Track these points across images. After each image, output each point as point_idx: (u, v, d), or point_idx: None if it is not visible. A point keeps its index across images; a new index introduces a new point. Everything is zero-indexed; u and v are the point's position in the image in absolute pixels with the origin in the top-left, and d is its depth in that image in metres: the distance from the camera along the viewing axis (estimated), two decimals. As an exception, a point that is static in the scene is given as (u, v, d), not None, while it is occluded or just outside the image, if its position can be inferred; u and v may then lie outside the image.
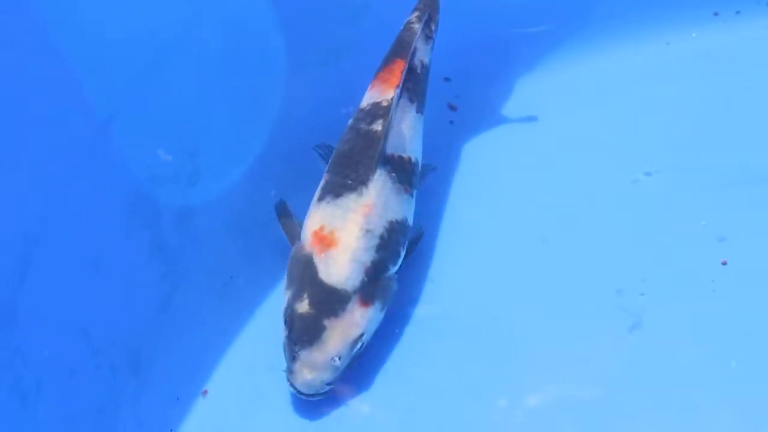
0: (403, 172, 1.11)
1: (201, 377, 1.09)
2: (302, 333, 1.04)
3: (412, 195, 1.12)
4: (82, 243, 1.06)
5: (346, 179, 1.09)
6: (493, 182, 1.21)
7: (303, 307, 1.04)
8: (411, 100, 1.14)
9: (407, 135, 1.13)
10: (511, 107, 1.27)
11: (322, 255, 1.06)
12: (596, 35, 1.28)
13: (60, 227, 1.03)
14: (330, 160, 1.12)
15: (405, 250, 1.10)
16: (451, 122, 1.27)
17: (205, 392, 1.08)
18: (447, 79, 1.27)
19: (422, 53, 1.16)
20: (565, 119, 1.25)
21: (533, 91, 1.27)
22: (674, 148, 1.19)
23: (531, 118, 1.25)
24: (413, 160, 1.13)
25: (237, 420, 1.07)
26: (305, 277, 1.06)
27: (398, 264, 1.10)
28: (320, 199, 1.10)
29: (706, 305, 1.07)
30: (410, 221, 1.11)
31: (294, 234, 1.11)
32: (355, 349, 1.04)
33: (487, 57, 1.29)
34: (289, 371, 1.04)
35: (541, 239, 1.15)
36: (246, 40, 1.19)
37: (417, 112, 1.15)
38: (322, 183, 1.11)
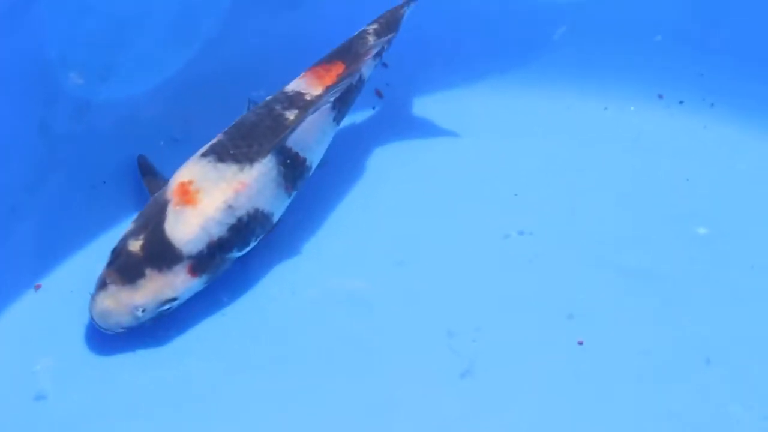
0: (293, 171, 1.09)
1: (39, 270, 1.12)
2: (122, 269, 1.03)
3: (289, 195, 1.11)
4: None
5: (237, 148, 1.07)
6: (374, 186, 1.22)
7: (135, 245, 1.04)
8: (333, 107, 1.12)
9: (314, 137, 1.12)
10: (431, 117, 1.28)
11: (178, 208, 1.05)
12: (538, 77, 1.29)
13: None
14: (232, 124, 1.11)
15: (255, 243, 1.09)
16: (373, 108, 1.28)
17: (38, 287, 1.11)
18: (385, 64, 1.27)
19: (365, 67, 1.15)
20: (473, 144, 1.25)
21: (454, 110, 1.28)
22: (555, 213, 1.20)
23: (439, 134, 1.26)
24: (308, 163, 1.11)
25: (67, 317, 1.09)
26: (152, 220, 1.04)
27: (243, 252, 1.08)
28: (204, 154, 1.08)
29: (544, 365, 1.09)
30: (275, 219, 1.10)
31: (155, 189, 1.10)
32: (161, 309, 1.04)
33: (431, 61, 1.29)
34: (92, 298, 1.03)
35: (398, 262, 1.16)
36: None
37: (333, 120, 1.14)
38: (213, 140, 1.09)
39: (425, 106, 1.28)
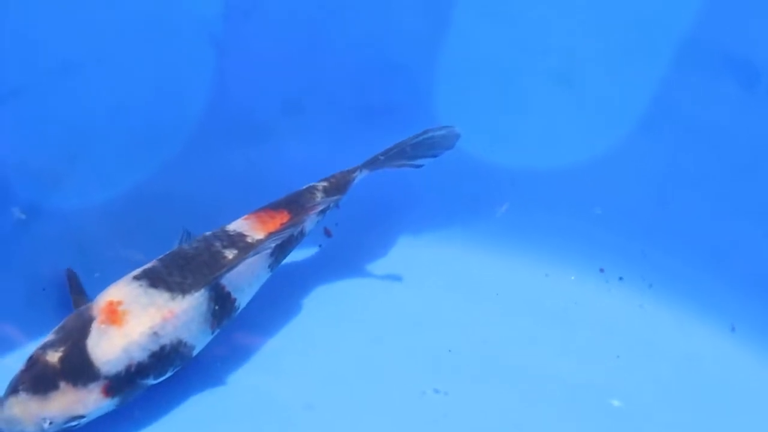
0: (221, 309, 1.10)
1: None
2: (36, 378, 1.02)
3: (213, 332, 1.11)
4: None
5: (170, 276, 1.08)
6: (306, 323, 1.23)
7: (53, 357, 1.03)
8: (271, 254, 1.14)
9: (247, 280, 1.13)
10: (374, 261, 1.30)
11: (102, 326, 1.04)
12: (482, 238, 1.31)
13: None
14: (168, 252, 1.12)
15: (171, 373, 1.09)
16: (320, 246, 1.31)
17: None
18: (328, 233, 1.31)
19: (309, 221, 1.18)
20: (411, 294, 1.27)
21: (398, 258, 1.30)
22: (479, 375, 1.21)
23: (380, 280, 1.28)
24: (236, 304, 1.12)
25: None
26: (74, 334, 1.04)
27: (158, 380, 1.08)
28: (136, 277, 1.08)
29: None
30: (195, 352, 1.10)
31: (80, 304, 1.11)
32: (68, 425, 1.03)
33: (381, 209, 1.32)
34: (1, 401, 1.02)
35: (307, 405, 1.16)
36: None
37: (269, 267, 1.15)
38: (148, 265, 1.10)
39: (371, 250, 1.30)
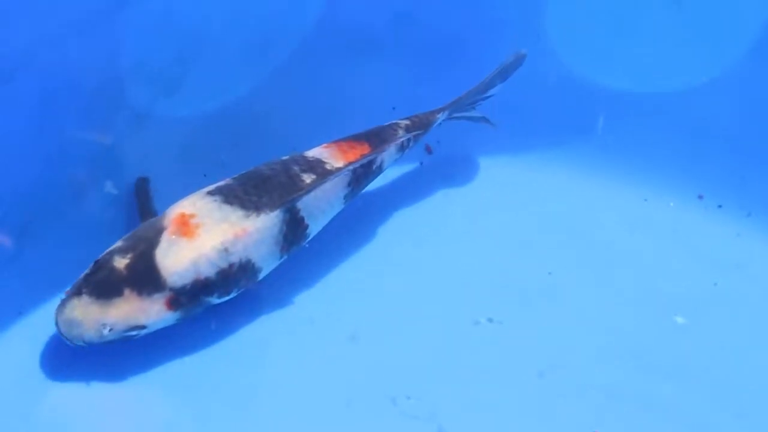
0: (293, 233, 1.09)
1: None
2: (101, 282, 1.00)
3: (281, 257, 1.10)
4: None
5: (246, 195, 1.07)
6: (383, 245, 1.24)
7: (120, 263, 1.01)
8: (348, 184, 1.13)
9: (321, 208, 1.12)
10: (471, 180, 1.32)
11: (173, 237, 1.03)
12: (581, 159, 1.32)
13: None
14: (245, 171, 1.10)
15: (235, 294, 1.07)
16: (421, 163, 1.31)
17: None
18: (429, 150, 1.32)
19: (388, 157, 1.17)
20: (501, 216, 1.28)
21: (496, 179, 1.31)
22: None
23: (471, 201, 1.29)
24: (308, 231, 1.11)
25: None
26: (144, 242, 1.02)
27: (221, 299, 1.07)
28: (210, 192, 1.07)
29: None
30: (261, 275, 1.09)
31: (146, 214, 1.10)
32: (127, 334, 1.01)
33: (482, 131, 1.31)
34: (62, 302, 1.01)
35: (351, 336, 1.15)
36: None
37: (344, 198, 1.14)
38: (222, 182, 1.09)
39: (468, 171, 1.32)
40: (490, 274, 1.22)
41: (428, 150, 1.31)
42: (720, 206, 1.30)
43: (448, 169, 1.32)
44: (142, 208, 1.14)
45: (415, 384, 1.11)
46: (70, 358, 1.06)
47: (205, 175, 1.17)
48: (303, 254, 1.15)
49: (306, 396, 1.09)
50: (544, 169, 1.31)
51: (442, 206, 1.29)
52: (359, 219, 1.24)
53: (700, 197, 1.30)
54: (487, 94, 1.24)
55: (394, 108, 1.28)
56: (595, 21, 1.27)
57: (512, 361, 1.14)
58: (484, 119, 1.26)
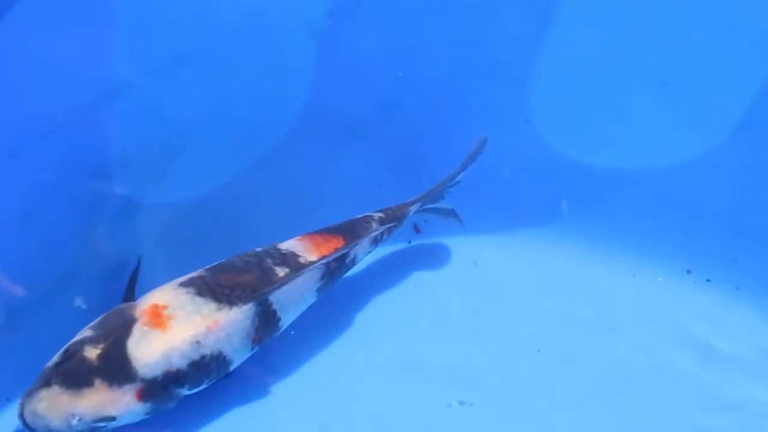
0: (265, 326, 1.09)
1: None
2: (72, 373, 1.00)
3: (252, 349, 1.10)
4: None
5: (218, 288, 1.07)
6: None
7: (92, 353, 1.01)
8: (321, 277, 1.14)
9: (294, 301, 1.12)
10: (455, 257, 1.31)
11: (145, 328, 1.03)
12: (568, 237, 1.32)
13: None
14: (218, 263, 1.11)
15: (206, 385, 1.07)
16: (409, 242, 1.32)
17: None
18: (418, 230, 1.32)
19: (362, 250, 1.18)
20: (491, 296, 1.28)
21: (485, 257, 1.31)
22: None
23: (459, 280, 1.29)
24: (280, 324, 1.11)
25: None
26: (115, 332, 1.02)
27: (192, 391, 1.06)
28: (183, 284, 1.07)
29: None
30: (232, 368, 1.08)
31: (129, 298, 1.11)
32: (97, 425, 1.00)
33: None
34: (29, 393, 1.00)
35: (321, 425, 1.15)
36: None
37: (317, 291, 1.14)
38: (194, 273, 1.09)
39: (457, 250, 1.32)
40: (477, 354, 1.22)
41: (416, 229, 1.31)
42: (708, 280, 1.30)
43: (435, 249, 1.32)
44: (129, 290, 1.14)
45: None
46: None
47: (196, 259, 1.16)
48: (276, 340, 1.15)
49: None
50: (535, 247, 1.31)
51: (427, 287, 1.29)
52: (339, 302, 1.25)
53: (689, 272, 1.30)
54: (454, 183, 1.25)
55: (380, 186, 1.30)
56: (582, 103, 1.28)
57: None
58: (453, 214, 1.27)
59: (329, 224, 1.19)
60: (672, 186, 1.29)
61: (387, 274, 1.29)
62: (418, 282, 1.29)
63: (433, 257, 1.31)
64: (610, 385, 1.21)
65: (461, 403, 1.17)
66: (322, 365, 1.19)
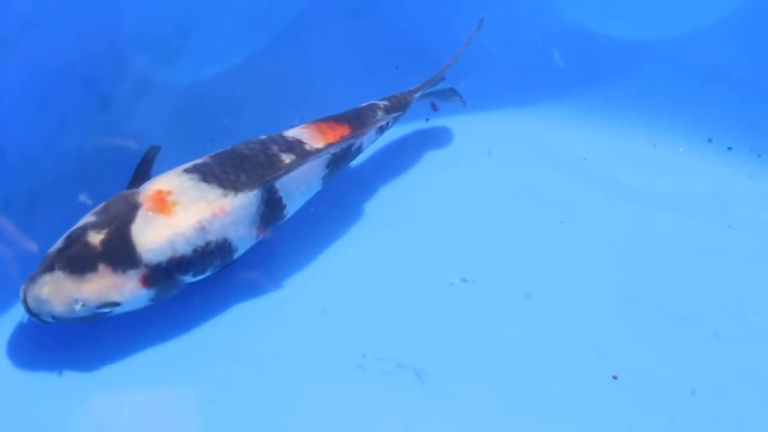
0: (270, 213, 1.07)
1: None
2: (74, 257, 0.98)
3: (257, 237, 1.08)
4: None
5: (223, 174, 1.05)
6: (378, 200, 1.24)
7: (95, 239, 0.99)
8: (327, 165, 1.12)
9: (299, 188, 1.10)
10: (477, 134, 1.30)
11: (150, 213, 1.01)
12: (591, 107, 1.31)
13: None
14: (222, 150, 1.09)
15: (210, 273, 1.06)
16: (427, 120, 1.30)
17: None
18: (435, 107, 1.31)
19: (367, 139, 1.16)
20: (514, 167, 1.28)
21: (502, 131, 1.30)
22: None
23: (477, 154, 1.28)
24: (285, 211, 1.10)
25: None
26: (118, 218, 1.01)
27: (196, 278, 1.05)
28: (187, 170, 1.05)
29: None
30: (236, 255, 1.07)
31: (140, 180, 1.08)
32: (101, 311, 0.99)
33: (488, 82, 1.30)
34: (31, 278, 0.98)
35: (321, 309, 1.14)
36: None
37: (322, 179, 1.13)
38: (199, 160, 1.07)
39: (472, 124, 1.30)
40: (504, 226, 1.22)
41: (434, 107, 1.29)
42: (730, 148, 1.29)
43: (453, 126, 1.30)
44: (139, 175, 1.11)
45: (388, 344, 1.10)
46: (43, 344, 1.05)
47: (211, 141, 1.17)
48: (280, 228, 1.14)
49: (280, 370, 1.08)
50: (552, 119, 1.30)
51: (444, 166, 1.28)
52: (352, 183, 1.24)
53: (710, 140, 1.29)
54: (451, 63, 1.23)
55: (397, 67, 1.28)
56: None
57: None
58: (455, 93, 1.25)
59: (338, 105, 1.17)
60: (688, 54, 1.28)
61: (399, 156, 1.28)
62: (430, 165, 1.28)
63: (446, 139, 1.30)
64: (630, 252, 1.21)
65: (463, 280, 1.17)
66: (325, 252, 1.18)
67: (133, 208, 1.01)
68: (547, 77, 1.30)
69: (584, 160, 1.28)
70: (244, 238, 1.07)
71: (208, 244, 1.03)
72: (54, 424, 1.02)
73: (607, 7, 1.27)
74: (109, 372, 1.05)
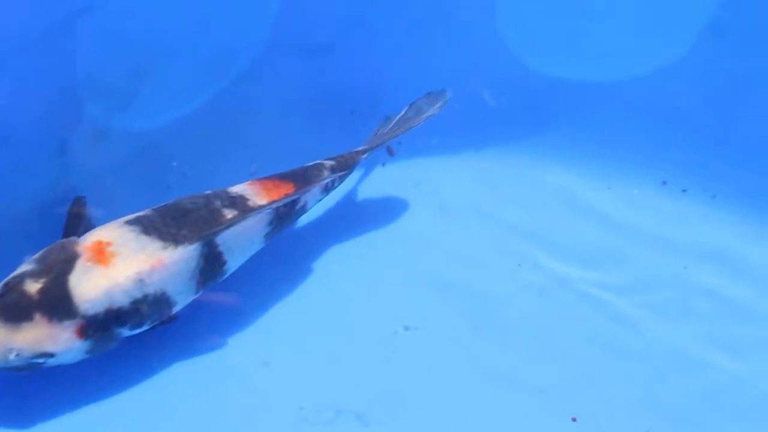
0: (210, 268, 1.08)
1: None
2: (10, 306, 0.98)
3: (196, 292, 1.08)
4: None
5: (165, 226, 1.05)
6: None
7: (32, 288, 0.99)
8: (270, 223, 1.13)
9: (240, 244, 1.10)
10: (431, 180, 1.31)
11: (88, 264, 1.01)
12: (544, 151, 1.32)
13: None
14: (165, 203, 1.09)
15: (148, 327, 1.06)
16: (383, 165, 1.32)
17: None
18: (391, 152, 1.32)
19: (312, 197, 1.17)
20: (463, 208, 1.29)
21: (462, 173, 1.31)
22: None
23: (434, 202, 1.29)
24: (224, 267, 1.10)
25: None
26: (56, 267, 1.00)
27: (132, 332, 1.05)
28: (128, 222, 1.06)
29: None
30: (175, 310, 1.07)
31: (72, 230, 1.09)
32: (33, 361, 0.99)
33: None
34: None
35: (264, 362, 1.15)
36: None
37: (264, 237, 1.13)
38: (141, 213, 1.07)
39: (434, 168, 1.31)
40: (449, 272, 1.23)
41: (390, 152, 1.31)
42: (684, 191, 1.30)
43: (411, 169, 1.31)
44: (71, 225, 1.12)
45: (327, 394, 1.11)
46: None
47: (169, 188, 1.19)
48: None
49: (226, 418, 1.09)
50: (506, 162, 1.31)
51: (407, 209, 1.29)
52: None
53: (664, 183, 1.30)
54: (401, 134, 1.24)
55: (352, 112, 1.30)
56: (549, 14, 1.27)
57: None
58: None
59: (295, 150, 1.19)
60: (644, 96, 1.29)
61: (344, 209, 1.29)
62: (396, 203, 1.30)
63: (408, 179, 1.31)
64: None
65: (406, 328, 1.18)
66: (268, 305, 1.19)
67: (72, 258, 1.02)
68: (499, 120, 1.31)
69: (536, 201, 1.29)
70: (183, 292, 1.07)
71: (146, 296, 1.03)
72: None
73: (560, 49, 1.28)
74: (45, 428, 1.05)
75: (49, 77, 1.13)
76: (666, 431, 1.10)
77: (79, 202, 1.14)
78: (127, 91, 1.19)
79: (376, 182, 1.30)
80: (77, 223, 1.10)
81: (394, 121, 1.23)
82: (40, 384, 1.07)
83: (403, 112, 1.23)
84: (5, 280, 1.01)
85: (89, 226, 1.10)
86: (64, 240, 1.06)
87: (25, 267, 1.02)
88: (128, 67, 1.18)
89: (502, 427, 1.10)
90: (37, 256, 1.03)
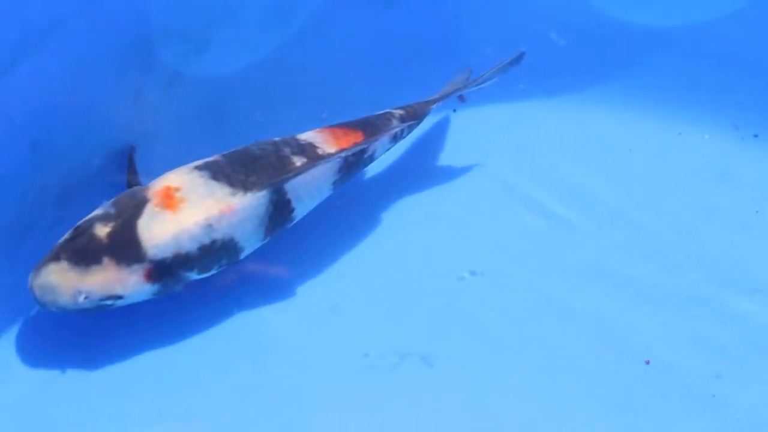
0: (278, 215, 1.08)
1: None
2: (80, 249, 0.99)
3: (264, 239, 1.08)
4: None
5: (234, 173, 1.05)
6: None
7: (102, 231, 1.00)
8: (339, 171, 1.12)
9: (309, 192, 1.10)
10: (504, 127, 1.31)
11: (157, 209, 1.01)
12: (616, 98, 1.31)
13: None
14: (235, 149, 1.09)
15: (215, 271, 1.06)
16: (454, 110, 1.32)
17: None
18: (462, 98, 1.32)
19: (380, 146, 1.16)
20: (534, 156, 1.29)
21: (529, 122, 1.31)
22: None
23: (506, 147, 1.29)
24: (293, 214, 1.10)
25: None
26: (126, 212, 1.01)
27: (201, 276, 1.05)
28: (198, 167, 1.05)
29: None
30: (243, 255, 1.07)
31: (134, 183, 1.09)
32: (102, 303, 1.00)
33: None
34: (38, 266, 0.99)
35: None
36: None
37: (333, 184, 1.13)
38: (210, 158, 1.07)
39: (502, 114, 1.31)
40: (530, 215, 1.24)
41: (462, 99, 1.31)
42: (756, 135, 1.29)
43: (481, 116, 1.31)
44: (131, 177, 1.13)
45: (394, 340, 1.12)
46: (47, 341, 1.07)
47: (239, 134, 1.18)
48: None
49: (291, 367, 1.10)
50: (577, 108, 1.31)
51: (476, 153, 1.29)
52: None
53: (736, 127, 1.29)
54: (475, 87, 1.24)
55: (422, 62, 1.29)
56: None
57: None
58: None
59: (364, 99, 1.20)
60: (714, 40, 1.29)
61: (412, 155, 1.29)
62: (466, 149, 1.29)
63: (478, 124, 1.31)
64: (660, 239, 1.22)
65: (473, 273, 1.18)
66: (335, 251, 1.19)
67: (141, 203, 1.02)
68: (573, 67, 1.31)
69: (607, 151, 1.29)
70: (251, 238, 1.07)
71: (214, 242, 1.03)
72: (57, 423, 1.04)
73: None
74: (113, 370, 1.07)
75: (124, 26, 1.12)
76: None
77: (131, 150, 1.15)
78: (201, 38, 1.18)
79: (445, 129, 1.30)
80: (136, 171, 1.12)
81: (469, 74, 1.23)
82: (107, 321, 1.08)
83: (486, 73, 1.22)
84: (77, 224, 1.02)
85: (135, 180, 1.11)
86: (136, 187, 1.06)
87: (97, 211, 1.03)
88: (202, 16, 1.17)
89: (570, 368, 1.11)
90: (108, 201, 1.04)
